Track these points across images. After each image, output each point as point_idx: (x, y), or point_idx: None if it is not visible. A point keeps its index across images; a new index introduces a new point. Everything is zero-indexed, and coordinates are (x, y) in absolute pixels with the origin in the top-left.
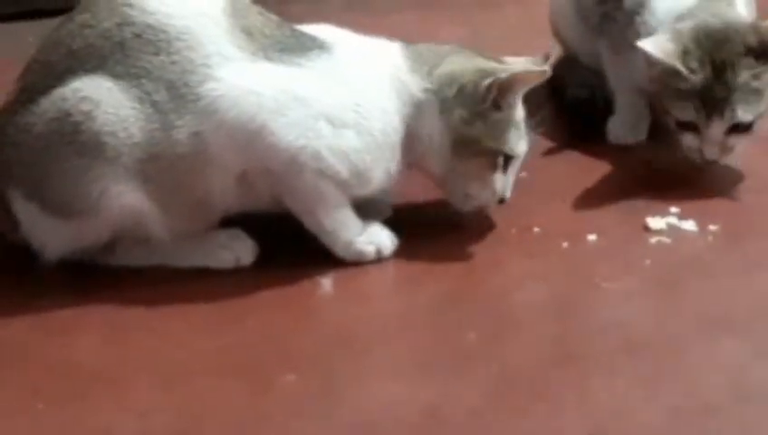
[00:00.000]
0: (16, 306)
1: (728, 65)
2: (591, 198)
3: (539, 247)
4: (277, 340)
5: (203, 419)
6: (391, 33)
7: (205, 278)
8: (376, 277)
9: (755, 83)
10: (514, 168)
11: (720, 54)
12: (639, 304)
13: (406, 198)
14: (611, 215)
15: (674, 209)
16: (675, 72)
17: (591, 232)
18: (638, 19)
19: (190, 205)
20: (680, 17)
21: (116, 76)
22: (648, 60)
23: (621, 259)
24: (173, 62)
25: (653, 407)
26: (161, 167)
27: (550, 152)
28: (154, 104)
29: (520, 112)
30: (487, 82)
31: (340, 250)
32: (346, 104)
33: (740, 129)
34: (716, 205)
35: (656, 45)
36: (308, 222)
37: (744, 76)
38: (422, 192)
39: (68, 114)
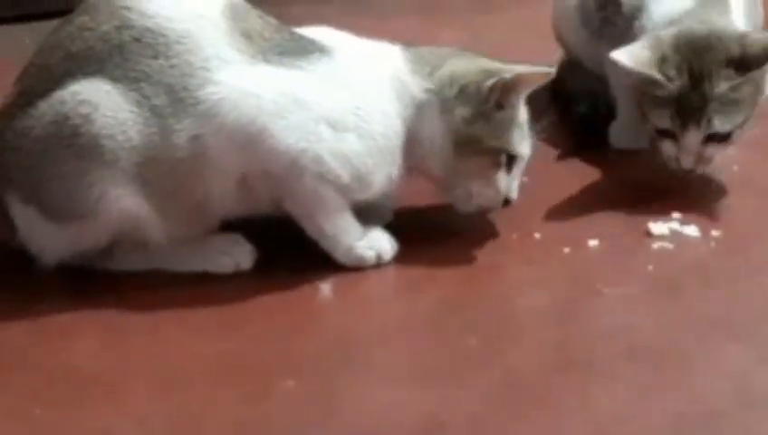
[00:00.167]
0: (14, 311)
1: (706, 75)
2: (593, 204)
3: (540, 253)
4: (277, 345)
5: (202, 424)
6: (392, 37)
7: (204, 283)
8: (376, 283)
9: (733, 95)
10: (519, 169)
11: (699, 63)
12: (641, 310)
13: (407, 203)
14: (613, 220)
15: (676, 215)
16: (651, 80)
17: (593, 237)
18: (636, 24)
19: (189, 209)
20: (672, 22)
21: (115, 79)
22: (624, 69)
23: (623, 265)
24: (172, 66)
25: (655, 413)
26: (160, 170)
27: (551, 157)
28: (153, 108)
29: (523, 113)
30: (491, 82)
31: (340, 255)
32: (347, 108)
33: (717, 138)
34: (719, 210)
35: (630, 55)
36: (308, 226)
37: (721, 87)
38: (423, 197)
39: (66, 117)
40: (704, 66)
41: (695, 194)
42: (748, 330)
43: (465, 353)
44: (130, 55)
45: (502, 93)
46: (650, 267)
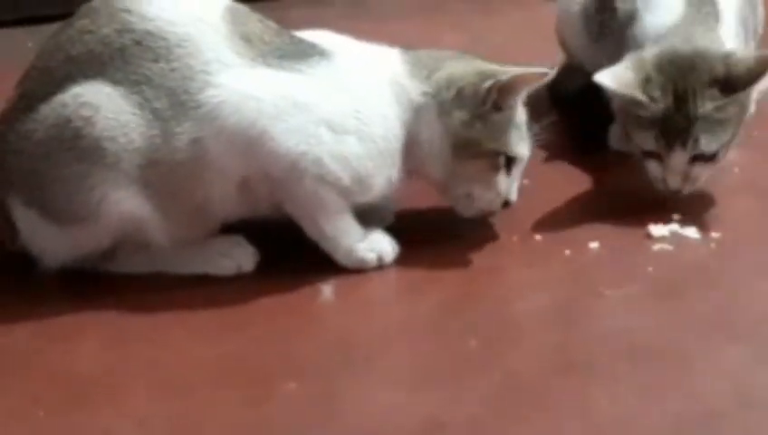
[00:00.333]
0: (17, 314)
1: (691, 95)
2: (593, 206)
3: (541, 255)
4: (278, 347)
5: (202, 426)
6: (392, 40)
7: (205, 285)
8: (377, 284)
9: (719, 115)
10: (518, 170)
11: (683, 83)
12: (642, 312)
13: (407, 205)
14: (613, 222)
15: (676, 216)
16: (635, 101)
17: (593, 239)
18: (628, 32)
19: (190, 211)
20: (660, 37)
21: (116, 82)
22: (609, 91)
23: (623, 266)
24: (173, 70)
25: (656, 414)
26: (161, 173)
27: (551, 160)
28: (154, 111)
29: (521, 114)
30: (488, 84)
31: (341, 257)
32: (346, 111)
33: (704, 158)
34: (719, 212)
35: (613, 76)
36: (309, 229)
37: (706, 107)
38: (424, 199)
39: (68, 120)
40: (688, 86)
41: (694, 196)
42: (748, 331)
43: (466, 355)
44: (131, 59)
45: (499, 95)
46: (650, 269)
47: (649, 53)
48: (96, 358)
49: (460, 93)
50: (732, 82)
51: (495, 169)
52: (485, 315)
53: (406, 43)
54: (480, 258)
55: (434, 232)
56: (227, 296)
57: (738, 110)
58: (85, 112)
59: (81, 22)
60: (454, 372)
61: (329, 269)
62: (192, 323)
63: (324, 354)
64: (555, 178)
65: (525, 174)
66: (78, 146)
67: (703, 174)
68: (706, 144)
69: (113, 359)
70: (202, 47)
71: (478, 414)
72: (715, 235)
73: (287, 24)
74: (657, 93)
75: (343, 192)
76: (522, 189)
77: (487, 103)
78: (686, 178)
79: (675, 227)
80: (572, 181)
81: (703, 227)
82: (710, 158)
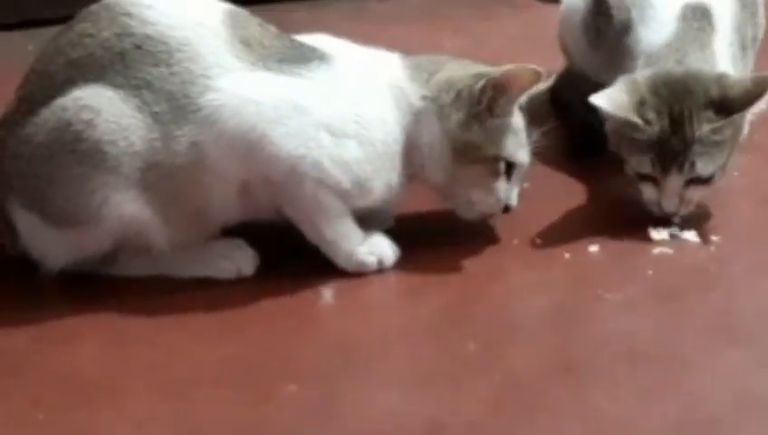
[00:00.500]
0: (17, 317)
1: (686, 117)
2: (593, 210)
3: (541, 258)
4: (278, 350)
5: (202, 429)
6: (392, 43)
7: (206, 288)
8: (377, 288)
9: (715, 137)
10: (519, 176)
11: (679, 105)
12: (641, 315)
13: (407, 209)
14: (613, 225)
15: (676, 220)
16: (630, 124)
17: (593, 243)
18: (623, 42)
19: (190, 214)
20: (653, 53)
21: (116, 86)
22: (603, 113)
23: (623, 270)
24: (173, 74)
25: (655, 418)
26: (161, 176)
27: (552, 164)
28: (154, 114)
29: (518, 120)
30: (481, 83)
31: (341, 260)
32: (346, 115)
33: (700, 181)
34: (718, 215)
35: (608, 99)
36: (309, 232)
37: (703, 129)
38: (424, 202)
39: (69, 123)
40: (684, 109)
41: None
42: (748, 334)
43: (466, 358)
44: (132, 63)
45: (495, 94)
46: (650, 272)
47: (642, 75)
48: (96, 360)
49: (458, 96)
50: (727, 104)
51: (495, 174)
52: (486, 318)
53: (406, 47)
54: (480, 261)
55: (434, 235)
56: (228, 299)
57: (734, 131)
58: (86, 116)
59: (81, 25)
60: (454, 375)
61: (329, 272)
62: (192, 326)
63: (324, 357)
64: (555, 182)
65: (526, 178)
66: (78, 149)
67: (697, 195)
68: (703, 167)
69: (113, 361)
70: (202, 51)
71: (478, 417)
72: (714, 238)
73: (288, 26)
74: (651, 116)
75: (343, 196)
76: (522, 193)
77: (483, 102)
78: (682, 200)
79: (675, 230)
80: (573, 185)
81: (702, 231)
82: (706, 180)
